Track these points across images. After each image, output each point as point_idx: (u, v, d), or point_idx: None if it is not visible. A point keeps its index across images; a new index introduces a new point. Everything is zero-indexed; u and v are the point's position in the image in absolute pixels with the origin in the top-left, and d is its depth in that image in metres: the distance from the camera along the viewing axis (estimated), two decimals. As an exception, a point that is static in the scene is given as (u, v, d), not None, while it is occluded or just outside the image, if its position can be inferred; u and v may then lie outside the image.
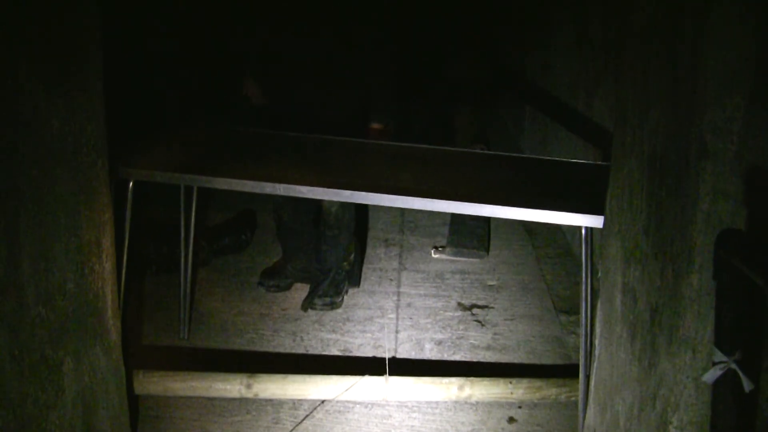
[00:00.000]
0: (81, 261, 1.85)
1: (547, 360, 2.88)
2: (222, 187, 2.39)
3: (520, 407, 2.56)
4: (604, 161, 2.49)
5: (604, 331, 1.95)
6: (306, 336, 2.99)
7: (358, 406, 2.55)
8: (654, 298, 1.57)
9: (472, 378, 2.53)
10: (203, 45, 5.14)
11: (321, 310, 3.16)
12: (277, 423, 2.47)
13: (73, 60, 1.77)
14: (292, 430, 2.44)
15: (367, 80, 2.99)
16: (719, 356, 1.29)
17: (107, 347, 2.02)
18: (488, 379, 2.54)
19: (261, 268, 3.45)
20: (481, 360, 2.87)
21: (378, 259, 3.70)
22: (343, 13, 2.96)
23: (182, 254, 2.89)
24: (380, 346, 2.93)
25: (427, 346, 2.95)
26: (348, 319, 3.13)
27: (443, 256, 3.73)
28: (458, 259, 3.71)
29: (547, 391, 2.52)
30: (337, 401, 2.53)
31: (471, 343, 2.98)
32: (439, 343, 2.97)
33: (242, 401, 2.54)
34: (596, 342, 2.04)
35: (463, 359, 2.87)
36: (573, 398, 2.46)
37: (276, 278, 3.33)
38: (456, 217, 3.98)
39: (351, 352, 2.90)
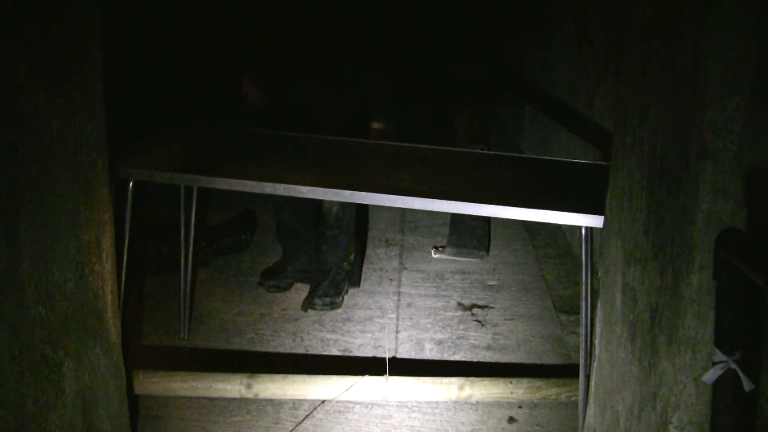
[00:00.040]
0: (81, 261, 1.85)
1: (547, 360, 2.88)
2: (222, 187, 2.39)
3: (520, 407, 2.56)
4: (604, 161, 2.49)
5: (604, 331, 1.95)
6: (306, 336, 2.99)
7: (358, 406, 2.55)
8: (654, 298, 1.57)
9: (472, 378, 2.53)
10: (203, 45, 5.14)
11: (321, 310, 3.16)
12: (277, 423, 2.47)
13: (73, 60, 1.77)
14: (292, 430, 2.44)
15: (367, 80, 2.99)
16: (719, 356, 1.29)
17: (107, 347, 2.02)
18: (488, 379, 2.54)
19: (261, 268, 3.45)
20: (482, 360, 2.87)
21: (378, 259, 3.70)
22: (343, 13, 2.96)
23: (182, 254, 2.89)
24: (380, 346, 2.93)
25: (428, 346, 2.95)
26: (348, 319, 3.13)
27: (443, 256, 3.73)
28: (458, 259, 3.71)
29: (548, 391, 2.52)
30: (338, 401, 2.53)
31: (471, 343, 2.98)
32: (440, 343, 2.97)
33: (242, 401, 2.54)
34: (596, 342, 2.04)
35: (464, 359, 2.87)
36: (573, 398, 2.46)
37: (276, 278, 3.33)
38: (456, 217, 3.98)
39: (351, 352, 2.90)
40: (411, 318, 3.15)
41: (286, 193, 2.33)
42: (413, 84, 5.33)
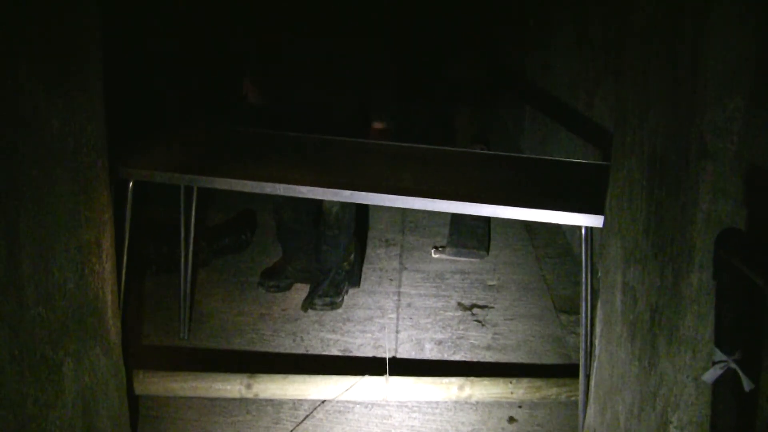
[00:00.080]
0: (81, 261, 1.85)
1: (547, 360, 2.88)
2: (222, 188, 2.39)
3: (520, 407, 2.56)
4: (604, 161, 2.49)
5: (604, 331, 1.95)
6: (306, 336, 2.99)
7: (358, 406, 2.55)
8: (654, 297, 1.57)
9: (472, 378, 2.53)
10: (203, 45, 5.14)
11: (321, 310, 3.16)
12: (277, 423, 2.47)
13: (73, 60, 1.77)
14: (292, 430, 2.44)
15: (367, 80, 2.99)
16: (719, 356, 1.29)
17: (107, 347, 2.02)
18: (488, 379, 2.54)
19: (261, 268, 3.45)
20: (481, 360, 2.87)
21: (378, 259, 3.70)
22: (343, 13, 2.96)
23: (182, 254, 2.89)
24: (380, 346, 2.93)
25: (428, 346, 2.95)
26: (348, 319, 3.13)
27: (443, 256, 3.73)
28: (458, 259, 3.71)
29: (548, 390, 2.52)
30: (338, 401, 2.53)
31: (471, 343, 2.98)
32: (440, 343, 2.97)
33: (242, 401, 2.54)
34: (596, 342, 2.04)
35: (464, 359, 2.87)
36: (573, 398, 2.46)
37: (276, 278, 3.33)
38: (456, 217, 3.98)
39: (351, 352, 2.90)
40: (411, 318, 3.15)
41: (286, 193, 2.33)
42: (413, 84, 5.32)
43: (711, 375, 1.31)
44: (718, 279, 1.31)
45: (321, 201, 3.07)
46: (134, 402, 2.43)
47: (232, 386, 2.49)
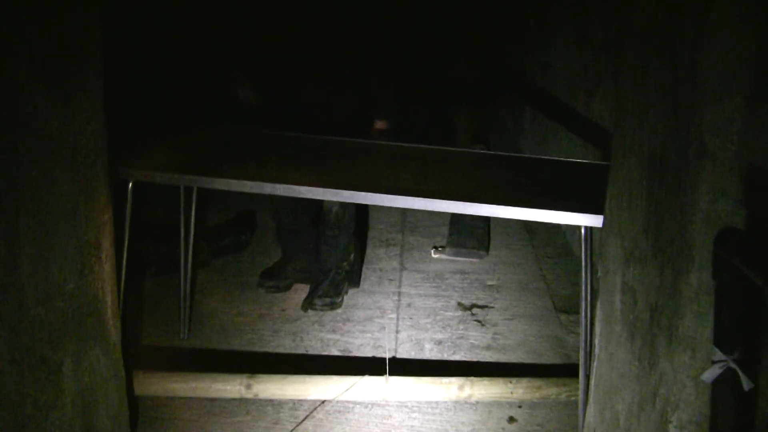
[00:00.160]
0: (81, 261, 1.85)
1: (547, 359, 2.88)
2: (222, 188, 2.39)
3: (520, 407, 2.56)
4: (603, 161, 2.49)
5: (604, 331, 1.95)
6: (306, 336, 2.99)
7: (358, 406, 2.55)
8: (653, 297, 1.57)
9: (472, 378, 2.53)
10: (203, 45, 5.14)
11: (321, 310, 3.16)
12: (277, 423, 2.47)
13: (73, 60, 1.77)
14: (292, 430, 2.44)
15: (367, 80, 2.99)
16: (718, 355, 1.29)
17: (107, 348, 2.02)
18: (488, 378, 2.54)
19: (261, 268, 3.45)
20: (481, 360, 2.87)
21: (378, 260, 3.70)
22: (343, 13, 2.96)
23: (182, 254, 2.89)
24: (380, 346, 2.93)
25: (427, 346, 2.95)
26: (348, 320, 3.13)
27: (443, 256, 3.73)
28: (458, 258, 3.71)
29: (547, 390, 2.52)
30: (337, 401, 2.53)
31: (471, 342, 2.98)
32: (439, 343, 2.97)
33: (242, 402, 2.54)
34: (596, 341, 2.04)
35: (463, 359, 2.87)
36: (573, 398, 2.46)
37: (275, 279, 3.32)
38: (455, 217, 3.98)
39: (351, 352, 2.90)
40: (411, 318, 3.15)
41: (286, 194, 2.33)
42: (413, 84, 5.32)
43: (710, 374, 1.31)
44: (718, 279, 1.31)
45: (321, 201, 3.07)
46: (134, 402, 2.43)
47: (231, 386, 2.49)
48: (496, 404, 2.56)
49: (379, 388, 2.51)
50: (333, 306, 3.18)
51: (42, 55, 1.64)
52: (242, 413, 2.50)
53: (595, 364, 2.04)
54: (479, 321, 3.14)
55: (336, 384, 2.51)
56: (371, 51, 2.97)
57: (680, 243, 1.43)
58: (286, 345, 2.93)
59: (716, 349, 1.31)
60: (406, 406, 2.55)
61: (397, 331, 3.04)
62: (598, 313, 2.01)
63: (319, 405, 2.54)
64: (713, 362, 1.31)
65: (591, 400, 2.08)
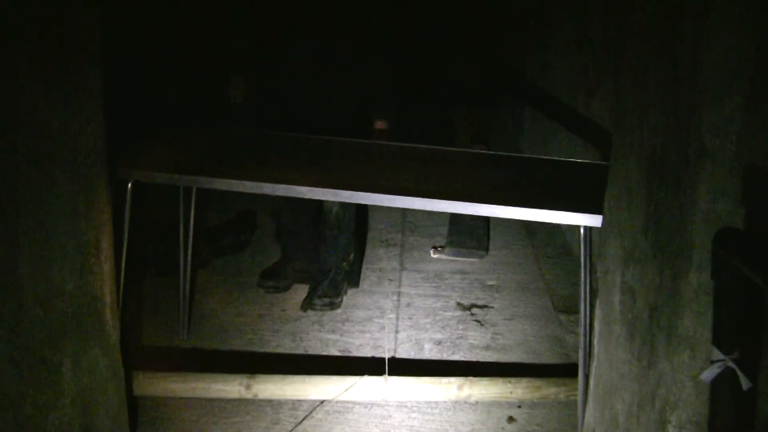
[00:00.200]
0: (80, 262, 1.85)
1: (546, 359, 2.88)
2: (221, 188, 2.39)
3: (519, 407, 2.56)
4: (603, 161, 2.49)
5: (603, 331, 1.95)
6: (305, 336, 2.99)
7: (357, 406, 2.55)
8: (653, 297, 1.58)
9: (471, 378, 2.53)
10: (203, 45, 5.14)
11: (320, 310, 3.16)
12: (276, 423, 2.47)
13: (73, 60, 1.77)
14: (291, 430, 2.44)
15: (367, 80, 2.99)
16: (717, 355, 1.29)
17: (106, 348, 2.02)
18: (487, 378, 2.54)
19: (261, 268, 3.45)
20: (481, 360, 2.87)
21: (378, 260, 3.70)
22: (343, 13, 2.96)
23: (181, 255, 2.88)
24: (380, 346, 2.93)
25: (427, 346, 2.95)
26: (347, 320, 3.13)
27: (442, 256, 3.73)
28: (457, 258, 3.71)
29: (547, 390, 2.52)
30: (337, 401, 2.53)
31: (470, 342, 2.98)
32: (439, 343, 2.97)
33: (242, 402, 2.54)
34: (595, 341, 2.04)
35: (463, 359, 2.87)
36: (572, 397, 2.46)
37: (275, 279, 3.32)
38: (455, 217, 3.98)
39: (350, 352, 2.90)
40: (410, 318, 3.15)
41: (286, 194, 2.33)
42: (413, 84, 5.33)
43: (709, 374, 1.31)
44: (717, 278, 1.31)
45: (321, 201, 3.07)
46: (133, 402, 2.43)
47: (231, 387, 2.49)
48: (496, 404, 2.56)
49: (378, 388, 2.51)
50: (332, 306, 3.18)
51: (42, 55, 1.64)
52: (242, 413, 2.50)
53: (594, 364, 2.04)
54: (479, 321, 3.14)
55: (335, 384, 2.51)
56: (371, 51, 2.97)
57: (680, 243, 1.43)
58: (285, 345, 2.93)
59: (715, 349, 1.31)
60: (406, 406, 2.56)
61: (397, 331, 3.04)
62: (598, 312, 2.01)
63: (319, 405, 2.54)
64: (712, 362, 1.31)
65: (590, 399, 2.09)
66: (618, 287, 1.82)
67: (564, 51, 4.28)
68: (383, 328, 3.06)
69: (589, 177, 2.40)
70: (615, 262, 1.85)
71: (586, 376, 2.15)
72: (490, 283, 3.48)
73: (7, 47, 1.52)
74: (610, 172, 1.92)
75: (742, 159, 1.31)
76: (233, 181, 2.33)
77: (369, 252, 3.77)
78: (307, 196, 2.32)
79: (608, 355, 1.90)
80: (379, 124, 3.02)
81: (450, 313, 3.20)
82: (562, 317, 3.17)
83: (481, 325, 3.11)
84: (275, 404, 2.54)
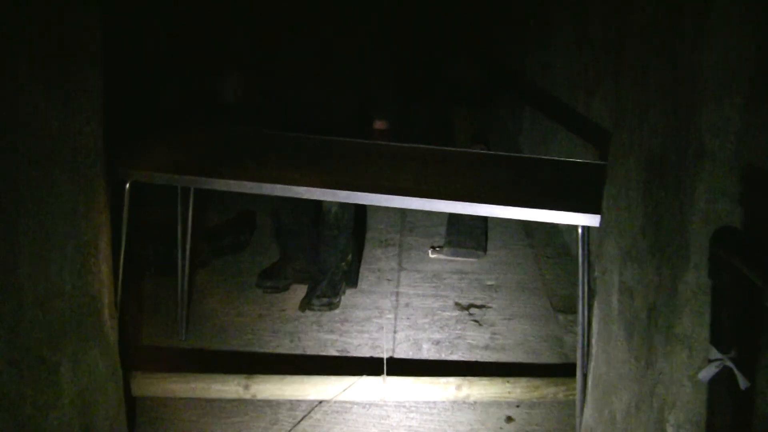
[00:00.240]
0: (80, 262, 1.85)
1: (544, 359, 2.89)
2: (221, 188, 2.39)
3: (518, 406, 2.56)
4: (603, 161, 2.49)
5: (602, 330, 1.96)
6: (304, 336, 3.00)
7: (356, 406, 2.55)
8: (651, 296, 1.58)
9: (470, 378, 2.53)
10: (203, 45, 5.14)
11: (319, 310, 3.16)
12: (275, 424, 2.47)
13: (73, 60, 1.77)
14: (290, 430, 2.44)
15: (367, 80, 2.99)
16: (715, 354, 1.30)
17: (105, 349, 2.02)
18: (486, 378, 2.54)
19: (260, 268, 3.45)
20: (479, 360, 2.87)
21: (376, 260, 3.70)
22: (343, 13, 2.96)
23: (180, 255, 2.88)
24: (378, 346, 2.93)
25: (425, 346, 2.95)
26: (346, 320, 3.13)
27: (441, 256, 3.73)
28: (456, 258, 3.71)
29: (545, 390, 2.52)
30: (335, 402, 2.54)
31: (469, 342, 2.98)
32: (437, 343, 2.97)
33: (240, 402, 2.54)
34: (593, 341, 2.04)
35: (461, 359, 2.87)
36: (571, 397, 2.46)
37: (274, 279, 3.32)
38: (453, 217, 3.98)
39: (349, 352, 2.90)
40: (409, 318, 3.15)
41: (285, 194, 2.33)
42: (413, 84, 5.33)
43: (707, 373, 1.31)
44: (716, 278, 1.32)
45: (320, 201, 3.07)
46: (132, 403, 2.43)
47: (230, 387, 2.49)
48: (494, 404, 2.56)
49: (376, 388, 2.51)
50: (331, 306, 3.18)
51: (42, 55, 1.64)
52: (240, 413, 2.50)
53: (592, 363, 2.04)
54: (477, 321, 3.14)
55: (334, 384, 2.51)
56: (371, 51, 2.97)
57: (678, 242, 1.43)
58: (284, 345, 2.93)
59: (713, 348, 1.31)
60: (404, 406, 2.56)
61: (395, 331, 3.04)
62: (596, 312, 2.02)
63: (317, 405, 2.54)
64: (710, 361, 1.31)
65: (589, 399, 2.09)
66: (616, 287, 1.82)
67: (564, 51, 4.28)
68: (382, 328, 3.06)
69: (589, 177, 2.40)
70: (613, 261, 1.85)
71: (585, 376, 2.16)
72: (488, 283, 3.49)
73: (7, 47, 1.52)
74: (608, 172, 1.92)
75: (742, 159, 1.31)
76: (233, 182, 2.33)
77: (367, 252, 3.77)
78: (306, 196, 2.32)
79: (607, 355, 1.90)
80: (379, 124, 3.02)
81: (448, 313, 3.20)
82: (561, 317, 3.17)
83: (480, 325, 3.11)
84: (274, 404, 2.54)
